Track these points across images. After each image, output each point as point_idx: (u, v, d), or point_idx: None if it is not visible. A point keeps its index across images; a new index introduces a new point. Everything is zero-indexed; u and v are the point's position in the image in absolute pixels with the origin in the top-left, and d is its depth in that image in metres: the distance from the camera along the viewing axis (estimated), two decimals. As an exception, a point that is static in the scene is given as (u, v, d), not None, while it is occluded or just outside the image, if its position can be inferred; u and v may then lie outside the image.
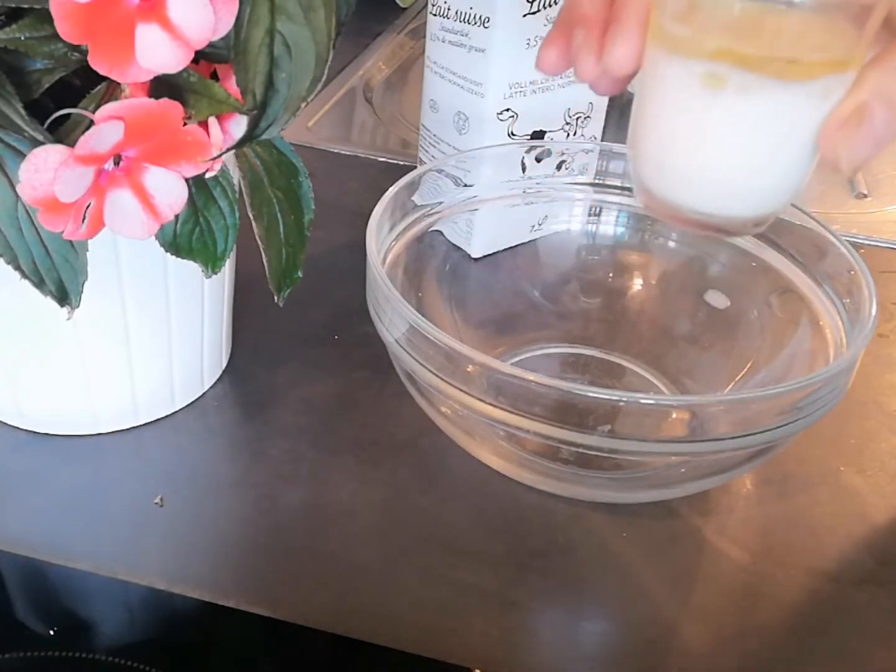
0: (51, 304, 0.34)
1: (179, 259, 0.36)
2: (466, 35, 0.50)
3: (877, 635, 0.37)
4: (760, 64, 0.27)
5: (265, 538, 0.39)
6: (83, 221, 0.31)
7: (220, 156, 0.32)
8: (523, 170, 0.49)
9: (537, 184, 0.50)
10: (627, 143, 0.32)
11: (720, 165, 0.30)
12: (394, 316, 0.38)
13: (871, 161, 0.28)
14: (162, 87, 0.30)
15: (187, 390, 0.45)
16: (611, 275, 0.51)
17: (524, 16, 0.49)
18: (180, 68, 0.29)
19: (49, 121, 0.31)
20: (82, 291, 0.35)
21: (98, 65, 0.28)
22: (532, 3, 0.48)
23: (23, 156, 0.30)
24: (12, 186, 0.32)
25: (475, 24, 0.49)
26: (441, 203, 0.48)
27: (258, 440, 0.44)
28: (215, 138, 0.32)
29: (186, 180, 0.32)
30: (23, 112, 0.30)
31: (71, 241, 0.33)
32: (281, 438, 0.44)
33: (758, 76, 0.27)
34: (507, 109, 0.51)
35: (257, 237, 0.38)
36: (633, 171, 0.32)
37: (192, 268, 0.37)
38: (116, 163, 0.31)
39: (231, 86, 0.31)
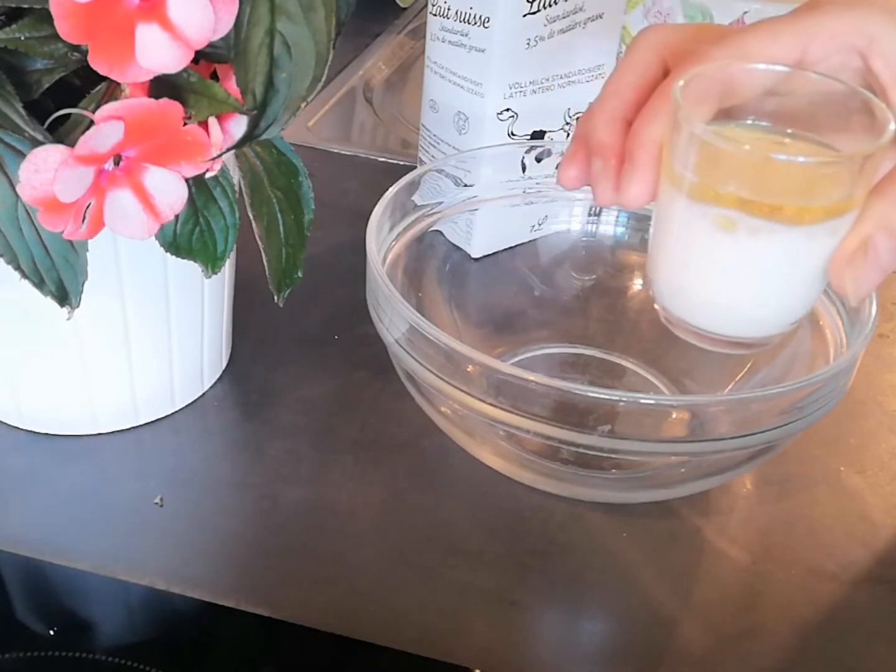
0: (51, 304, 0.34)
1: (179, 259, 0.36)
2: (466, 35, 0.50)
3: (876, 635, 0.37)
4: (768, 211, 0.28)
5: (265, 538, 0.39)
6: (83, 221, 0.31)
7: (220, 156, 0.32)
8: (523, 170, 0.49)
9: (537, 184, 0.50)
10: (647, 263, 0.33)
11: (733, 296, 0.31)
12: (394, 316, 0.38)
13: (877, 287, 0.29)
14: (162, 87, 0.30)
15: (187, 390, 0.45)
16: (611, 275, 0.51)
17: (524, 16, 0.49)
18: (180, 68, 0.29)
19: (49, 121, 0.31)
20: (82, 291, 0.35)
21: (98, 65, 0.28)
22: (532, 3, 0.48)
23: (23, 156, 0.30)
24: (12, 186, 0.32)
25: (475, 24, 0.49)
26: (441, 203, 0.48)
27: (258, 440, 0.44)
28: (215, 138, 0.32)
29: (186, 180, 0.32)
30: (23, 112, 0.30)
31: (71, 241, 0.33)
32: (280, 438, 0.44)
33: (766, 221, 0.29)
34: (507, 109, 0.51)
35: (257, 237, 0.38)
36: (652, 290, 0.34)
37: (192, 268, 0.37)
38: (116, 163, 0.31)
39: (231, 86, 0.31)
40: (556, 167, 0.36)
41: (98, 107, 0.29)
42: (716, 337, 0.32)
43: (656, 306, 0.34)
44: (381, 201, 0.43)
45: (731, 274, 0.31)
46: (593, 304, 0.51)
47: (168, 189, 0.32)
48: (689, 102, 0.29)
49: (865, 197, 0.29)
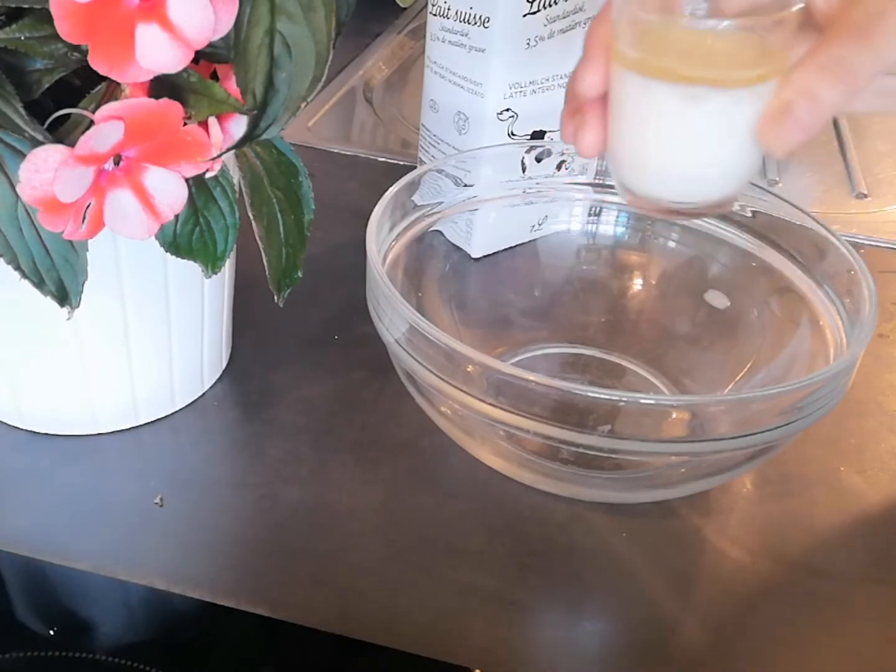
0: (51, 304, 0.34)
1: (179, 259, 0.36)
2: (466, 35, 0.50)
3: (876, 634, 0.37)
4: (700, 80, 0.32)
5: (265, 538, 0.39)
6: (83, 221, 0.31)
7: (220, 156, 0.32)
8: (523, 170, 0.49)
9: (537, 184, 0.50)
10: (607, 150, 0.36)
11: (682, 161, 0.35)
12: (394, 316, 0.38)
13: (802, 145, 0.32)
14: (162, 87, 0.30)
15: (187, 390, 0.45)
16: (611, 275, 0.51)
17: (524, 16, 0.49)
18: (180, 68, 0.29)
19: (49, 121, 0.31)
20: (82, 291, 0.35)
21: (98, 65, 0.28)
22: (532, 3, 0.48)
23: (23, 156, 0.30)
24: (12, 186, 0.32)
25: (475, 24, 0.49)
26: (441, 203, 0.48)
27: (258, 440, 0.44)
28: (215, 138, 0.32)
29: (186, 180, 0.32)
30: (23, 112, 0.30)
31: (71, 241, 0.33)
32: (281, 438, 0.44)
33: (701, 87, 0.32)
34: (507, 109, 0.51)
35: (257, 237, 0.38)
36: (613, 173, 0.37)
37: (192, 268, 0.37)
38: (116, 163, 0.31)
39: (231, 86, 0.31)
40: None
41: (98, 107, 0.29)
42: (672, 206, 0.35)
43: (618, 190, 0.37)
44: (381, 201, 0.43)
45: (676, 140, 0.34)
46: (593, 304, 0.51)
47: (168, 189, 0.32)
48: None
49: (787, 63, 0.32)
